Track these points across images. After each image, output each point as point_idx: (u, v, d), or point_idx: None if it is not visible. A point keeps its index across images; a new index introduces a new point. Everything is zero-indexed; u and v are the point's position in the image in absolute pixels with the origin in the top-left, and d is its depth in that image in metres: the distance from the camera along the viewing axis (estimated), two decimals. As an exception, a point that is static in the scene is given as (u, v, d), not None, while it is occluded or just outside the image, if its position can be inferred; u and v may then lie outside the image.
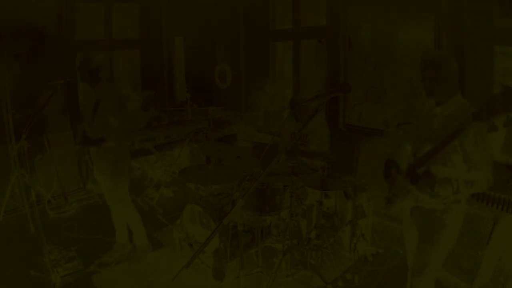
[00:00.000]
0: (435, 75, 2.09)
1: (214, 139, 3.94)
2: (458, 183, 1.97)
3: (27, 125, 3.43)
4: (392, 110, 4.15)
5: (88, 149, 3.29)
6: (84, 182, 4.84)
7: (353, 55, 4.36)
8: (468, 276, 2.88)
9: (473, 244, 2.85)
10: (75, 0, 4.99)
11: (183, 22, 5.90)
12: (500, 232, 2.78)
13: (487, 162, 2.00)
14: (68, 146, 4.72)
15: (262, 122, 5.35)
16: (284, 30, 5.10)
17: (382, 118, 4.24)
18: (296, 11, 4.88)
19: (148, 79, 6.07)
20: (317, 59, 4.91)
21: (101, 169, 3.32)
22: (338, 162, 3.57)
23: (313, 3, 4.75)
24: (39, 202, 4.23)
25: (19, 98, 4.24)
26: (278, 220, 3.36)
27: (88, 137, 3.18)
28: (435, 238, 2.19)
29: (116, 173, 3.27)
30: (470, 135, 1.92)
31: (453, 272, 2.96)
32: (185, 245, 3.35)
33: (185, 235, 3.36)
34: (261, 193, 3.12)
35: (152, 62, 6.08)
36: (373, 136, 4.18)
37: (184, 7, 5.86)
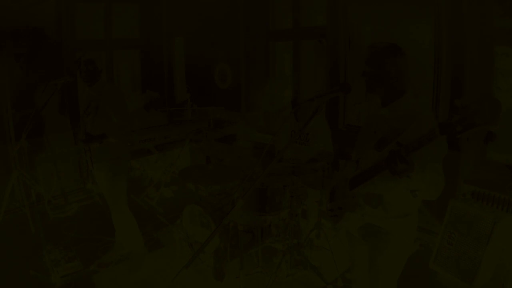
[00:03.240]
0: (376, 70, 1.90)
1: (214, 139, 3.94)
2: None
3: (27, 125, 3.44)
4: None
5: (90, 147, 3.27)
6: (84, 182, 4.84)
7: (353, 55, 4.36)
8: (468, 276, 2.88)
9: (473, 244, 2.85)
10: (75, 0, 4.99)
11: (183, 22, 5.90)
12: (500, 232, 2.78)
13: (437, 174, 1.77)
14: (68, 146, 4.72)
15: (262, 122, 5.35)
16: (284, 30, 5.10)
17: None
18: (296, 11, 4.88)
19: (148, 79, 6.07)
20: (317, 59, 4.90)
21: (100, 167, 3.28)
22: (339, 162, 3.57)
23: (313, 3, 4.75)
24: (39, 202, 4.23)
25: (19, 98, 4.24)
26: (278, 220, 3.37)
27: (89, 134, 3.15)
28: (382, 256, 2.04)
29: (114, 171, 3.25)
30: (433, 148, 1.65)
31: (453, 272, 2.97)
32: (185, 245, 3.36)
33: (185, 235, 3.36)
34: (261, 193, 3.12)
35: (152, 62, 6.08)
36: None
37: (184, 7, 5.86)
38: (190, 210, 3.34)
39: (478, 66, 3.31)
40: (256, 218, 3.20)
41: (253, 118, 5.40)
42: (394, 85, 1.92)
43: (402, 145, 1.64)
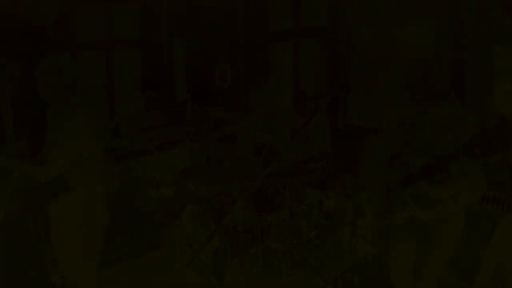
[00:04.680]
0: None
1: (214, 139, 3.94)
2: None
3: (28, 125, 3.43)
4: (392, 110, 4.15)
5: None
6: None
7: (353, 55, 4.36)
8: (468, 276, 2.88)
9: (473, 244, 2.85)
10: (75, 0, 4.99)
11: (183, 22, 5.90)
12: (500, 232, 2.79)
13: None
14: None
15: (262, 122, 5.35)
16: (284, 30, 5.10)
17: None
18: (296, 11, 4.88)
19: (148, 79, 6.07)
20: (317, 59, 4.91)
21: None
22: (339, 162, 3.58)
23: (313, 3, 4.75)
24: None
25: (19, 98, 4.24)
26: (278, 220, 3.36)
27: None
28: (432, 245, 2.20)
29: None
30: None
31: (453, 272, 2.97)
32: (185, 245, 3.36)
33: (185, 235, 3.36)
34: (261, 193, 3.13)
35: (152, 62, 6.07)
36: (374, 136, 4.18)
37: (184, 7, 5.86)
38: (190, 210, 3.34)
39: (478, 66, 3.31)
40: (256, 218, 3.20)
41: (253, 118, 5.40)
42: None
43: None
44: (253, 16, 5.32)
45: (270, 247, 3.46)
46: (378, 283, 3.15)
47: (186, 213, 3.40)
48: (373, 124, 4.32)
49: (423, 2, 3.66)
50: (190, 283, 3.00)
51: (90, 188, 2.25)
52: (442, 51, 3.52)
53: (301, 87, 5.00)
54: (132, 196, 4.72)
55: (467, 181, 1.94)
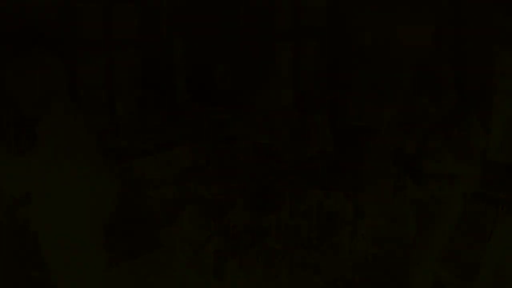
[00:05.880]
0: None
1: (214, 139, 3.95)
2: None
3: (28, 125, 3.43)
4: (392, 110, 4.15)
5: None
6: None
7: (353, 55, 4.37)
8: (468, 276, 2.88)
9: (473, 244, 2.85)
10: (75, 0, 5.00)
11: (183, 22, 5.90)
12: (500, 231, 2.79)
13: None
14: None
15: (262, 122, 5.35)
16: (284, 30, 5.11)
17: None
18: (296, 11, 4.89)
19: (148, 79, 6.08)
20: (317, 59, 4.91)
21: None
22: (339, 162, 3.57)
23: (313, 3, 4.76)
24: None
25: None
26: (278, 220, 3.37)
27: None
28: (430, 230, 2.22)
29: None
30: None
31: (453, 271, 2.96)
32: (185, 245, 3.36)
33: (185, 235, 3.36)
34: (261, 193, 3.13)
35: (152, 62, 6.08)
36: (374, 135, 4.18)
37: (184, 7, 5.87)
38: (190, 210, 3.35)
39: (478, 66, 3.32)
40: (256, 218, 3.21)
41: (253, 118, 5.40)
42: None
43: None
44: (253, 16, 5.32)
45: (270, 247, 3.46)
46: (378, 283, 3.15)
47: (186, 213, 3.40)
48: (373, 124, 4.33)
49: (423, 2, 3.67)
50: (190, 283, 3.00)
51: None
52: (442, 51, 3.53)
53: (301, 87, 5.01)
54: (132, 196, 4.73)
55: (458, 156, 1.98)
